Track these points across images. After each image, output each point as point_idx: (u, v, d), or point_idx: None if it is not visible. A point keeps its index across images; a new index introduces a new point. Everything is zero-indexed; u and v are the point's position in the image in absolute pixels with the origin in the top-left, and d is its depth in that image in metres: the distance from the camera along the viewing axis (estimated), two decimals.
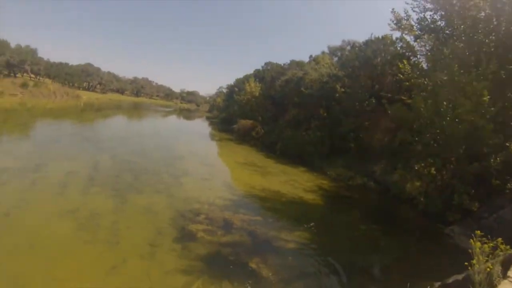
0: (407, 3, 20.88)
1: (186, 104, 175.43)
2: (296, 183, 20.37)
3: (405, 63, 20.27)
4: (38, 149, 19.37)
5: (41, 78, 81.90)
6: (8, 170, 13.72)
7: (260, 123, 41.41)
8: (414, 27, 21.71)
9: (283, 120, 37.48)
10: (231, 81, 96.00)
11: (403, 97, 21.93)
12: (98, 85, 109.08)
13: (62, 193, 12.00)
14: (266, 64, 65.56)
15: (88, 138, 26.29)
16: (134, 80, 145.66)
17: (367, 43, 31.40)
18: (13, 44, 69.09)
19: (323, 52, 48.69)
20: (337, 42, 64.32)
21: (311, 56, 49.95)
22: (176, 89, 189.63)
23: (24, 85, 61.93)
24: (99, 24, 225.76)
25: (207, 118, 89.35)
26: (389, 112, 20.02)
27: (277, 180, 20.40)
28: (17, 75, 70.64)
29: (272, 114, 42.24)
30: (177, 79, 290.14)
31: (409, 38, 24.01)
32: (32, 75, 77.21)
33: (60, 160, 17.05)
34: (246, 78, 62.02)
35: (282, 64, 55.67)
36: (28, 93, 60.51)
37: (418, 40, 21.83)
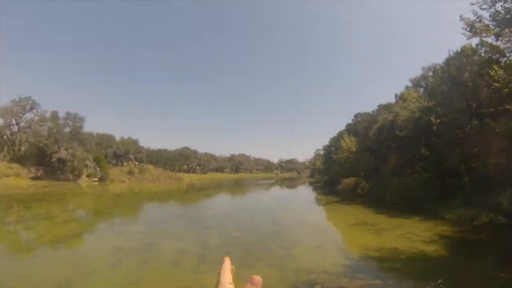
0: (472, 3, 20.51)
1: (286, 173, 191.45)
2: (413, 235, 20.07)
3: (496, 68, 19.66)
4: (147, 230, 22.85)
5: (144, 164, 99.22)
6: (121, 249, 16.28)
7: (364, 178, 42.94)
8: (490, 25, 20.87)
9: (386, 170, 38.33)
10: (325, 140, 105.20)
11: (508, 107, 20.90)
12: (198, 166, 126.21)
13: (173, 271, 13.44)
14: (355, 116, 70.67)
15: (194, 218, 29.66)
16: (232, 158, 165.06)
17: (448, 61, 31.31)
18: (117, 137, 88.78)
19: (407, 87, 50.23)
20: (417, 72, 66.06)
21: (396, 95, 51.60)
22: (275, 159, 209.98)
23: (130, 172, 76.65)
24: (194, 112, 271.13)
25: (310, 183, 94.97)
26: (497, 129, 19.84)
27: (392, 236, 20.30)
28: (123, 164, 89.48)
29: (373, 166, 43.69)
30: (274, 149, 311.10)
31: (490, 39, 22.70)
32: (136, 163, 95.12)
33: (169, 239, 19.44)
34: (340, 135, 67.63)
35: (371, 112, 59.68)
36: (135, 179, 73.92)
37: (500, 38, 20.90)
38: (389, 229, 22.71)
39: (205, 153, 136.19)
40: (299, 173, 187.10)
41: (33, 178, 53.54)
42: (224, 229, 23.63)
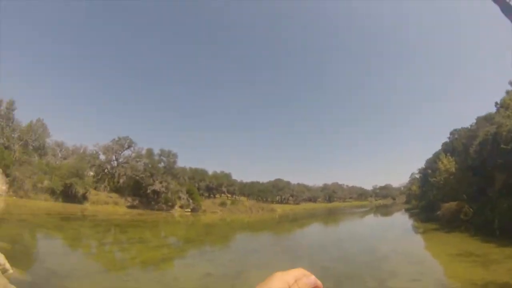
0: None
1: (381, 200, 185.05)
2: None
3: None
4: (238, 258, 23.41)
5: (236, 196, 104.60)
6: (210, 275, 16.72)
7: (467, 202, 39.94)
8: None
9: (493, 191, 35.24)
10: (421, 163, 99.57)
11: None
12: (290, 197, 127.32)
13: None
14: (451, 133, 67.14)
15: (286, 247, 29.57)
16: (325, 187, 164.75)
17: None
18: (210, 171, 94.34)
19: (507, 92, 45.09)
20: None
21: (496, 103, 47.06)
22: (368, 186, 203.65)
23: (223, 204, 79.98)
24: (286, 144, 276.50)
25: (406, 210, 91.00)
26: None
27: (504, 269, 18.14)
28: (216, 196, 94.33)
29: (477, 188, 40.49)
30: (367, 176, 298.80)
31: None
32: (229, 195, 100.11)
33: (259, 268, 19.35)
34: (436, 156, 64.50)
35: (469, 126, 56.44)
36: (227, 210, 76.68)
37: None
38: (500, 261, 20.28)
39: (298, 184, 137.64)
40: (394, 199, 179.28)
41: (129, 207, 59.71)
42: (316, 259, 23.24)
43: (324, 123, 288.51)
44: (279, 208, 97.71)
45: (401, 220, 66.07)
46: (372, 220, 74.68)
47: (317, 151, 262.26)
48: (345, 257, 24.22)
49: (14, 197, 45.60)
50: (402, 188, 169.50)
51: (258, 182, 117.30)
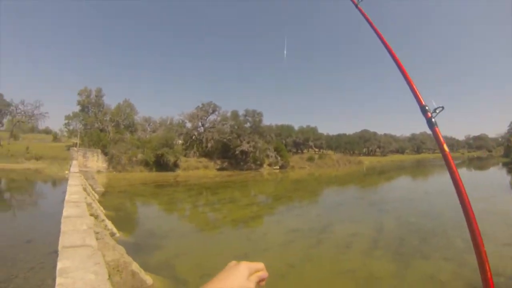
0: None
1: (474, 152, 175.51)
2: None
3: None
4: (325, 213, 24.10)
5: (323, 150, 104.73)
6: (298, 230, 17.58)
7: None
8: None
9: None
10: None
11: None
12: (378, 149, 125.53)
13: (345, 253, 13.89)
14: None
15: (372, 201, 29.47)
16: (413, 137, 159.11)
17: None
18: (296, 127, 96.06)
19: None
20: None
21: None
22: (460, 136, 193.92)
23: (310, 159, 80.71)
24: (373, 93, 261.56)
25: (504, 164, 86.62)
26: None
27: None
28: (303, 151, 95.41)
29: None
30: (459, 124, 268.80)
31: None
32: (316, 149, 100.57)
33: (345, 222, 19.95)
34: None
35: None
36: (314, 165, 77.85)
37: None
38: None
39: (385, 135, 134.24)
40: (490, 151, 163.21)
41: (219, 169, 63.50)
42: (402, 214, 22.87)
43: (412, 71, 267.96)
44: (366, 160, 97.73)
45: (498, 175, 61.44)
46: (464, 174, 68.14)
47: (402, 98, 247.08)
48: (432, 213, 23.33)
49: (114, 172, 51.65)
50: (500, 139, 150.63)
51: (344, 134, 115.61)
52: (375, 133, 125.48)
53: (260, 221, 22.21)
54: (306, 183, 49.62)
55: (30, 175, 43.60)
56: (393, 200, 29.90)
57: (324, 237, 16.44)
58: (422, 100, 1.93)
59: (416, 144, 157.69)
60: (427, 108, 1.88)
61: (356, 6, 2.93)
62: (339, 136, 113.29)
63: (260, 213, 25.05)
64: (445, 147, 1.73)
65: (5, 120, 68.99)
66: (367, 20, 2.71)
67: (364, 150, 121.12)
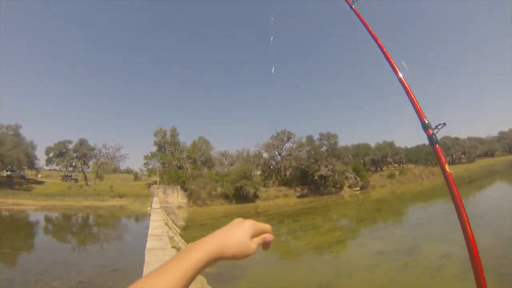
0: None
1: None
2: None
3: None
4: (410, 232, 22.95)
5: (403, 165, 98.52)
6: (383, 253, 17.01)
7: None
8: None
9: None
10: None
11: None
12: (462, 155, 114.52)
13: (435, 276, 13.02)
14: None
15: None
16: (502, 136, 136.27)
17: None
18: (372, 144, 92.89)
19: None
20: None
21: None
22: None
23: (390, 176, 77.29)
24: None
25: None
26: None
27: None
28: (383, 169, 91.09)
29: None
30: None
31: None
32: (395, 165, 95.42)
33: (433, 241, 18.82)
34: None
35: None
36: (395, 182, 74.55)
37: None
38: None
39: (468, 138, 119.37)
40: None
41: (299, 196, 63.20)
42: (501, 228, 20.92)
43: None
44: (452, 170, 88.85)
45: None
46: None
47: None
48: None
49: (194, 207, 53.63)
50: None
51: (423, 145, 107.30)
52: (457, 138, 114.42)
53: (343, 245, 21.90)
54: (388, 202, 47.68)
55: (115, 212, 46.91)
56: (488, 212, 27.27)
57: (411, 259, 15.73)
58: (423, 115, 1.83)
59: (507, 143, 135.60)
60: (427, 123, 1.79)
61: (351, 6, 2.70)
62: (418, 147, 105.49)
63: (343, 237, 24.66)
64: (447, 167, 1.65)
65: (90, 163, 75.17)
66: (363, 22, 2.53)
67: (448, 158, 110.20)
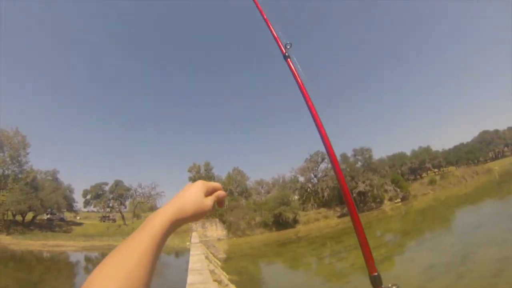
0: None
1: None
2: None
3: None
4: (460, 240, 21.54)
5: (443, 169, 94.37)
6: (434, 266, 15.87)
7: None
8: None
9: None
10: None
11: None
12: (505, 148, 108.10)
13: (494, 284, 12.00)
14: None
15: None
16: None
17: None
18: (408, 151, 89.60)
19: None
20: None
21: None
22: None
23: (431, 182, 73.65)
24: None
25: None
26: None
27: None
28: (422, 176, 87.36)
29: None
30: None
31: None
32: (435, 170, 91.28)
33: (487, 246, 17.42)
34: None
35: None
36: (437, 187, 70.97)
37: None
38: None
39: (509, 128, 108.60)
40: None
41: (339, 216, 61.03)
42: None
43: None
44: (496, 166, 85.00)
45: None
46: None
47: None
48: None
49: (234, 238, 53.03)
50: None
51: (462, 144, 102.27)
52: (497, 131, 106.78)
53: (391, 262, 20.74)
54: (433, 210, 45.30)
55: None
56: None
57: (465, 269, 14.57)
58: None
59: None
60: None
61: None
62: (456, 148, 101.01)
63: (389, 253, 23.47)
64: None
65: (127, 203, 76.69)
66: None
67: (490, 154, 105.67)
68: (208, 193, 0.95)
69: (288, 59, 2.07)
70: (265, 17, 2.35)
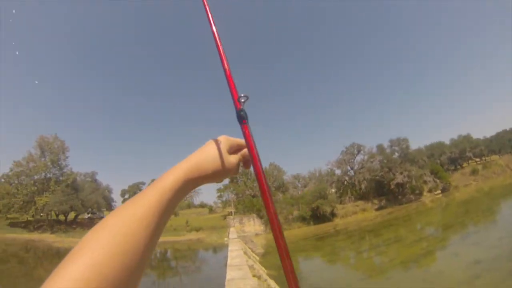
0: None
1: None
2: None
3: None
4: (508, 233, 20.35)
5: (486, 158, 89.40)
6: (481, 262, 14.99)
7: None
8: None
9: None
10: None
11: None
12: None
13: None
14: None
15: None
16: None
17: None
18: (447, 140, 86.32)
19: None
20: None
21: None
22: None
23: (473, 172, 70.34)
24: None
25: None
26: None
27: None
28: (463, 166, 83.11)
29: None
30: None
31: None
32: (477, 159, 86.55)
33: None
34: None
35: None
36: (480, 178, 67.82)
37: None
38: None
39: None
40: None
41: (377, 209, 59.84)
42: None
43: None
44: None
45: None
46: None
47: None
48: None
49: (272, 233, 52.90)
50: None
51: (504, 131, 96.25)
52: None
53: (433, 257, 19.83)
54: (476, 202, 43.22)
55: (192, 245, 47.65)
56: None
57: None
58: None
59: None
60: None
61: None
62: (499, 135, 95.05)
63: (431, 248, 22.49)
64: None
65: None
66: None
67: None
68: (233, 151, 0.82)
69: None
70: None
